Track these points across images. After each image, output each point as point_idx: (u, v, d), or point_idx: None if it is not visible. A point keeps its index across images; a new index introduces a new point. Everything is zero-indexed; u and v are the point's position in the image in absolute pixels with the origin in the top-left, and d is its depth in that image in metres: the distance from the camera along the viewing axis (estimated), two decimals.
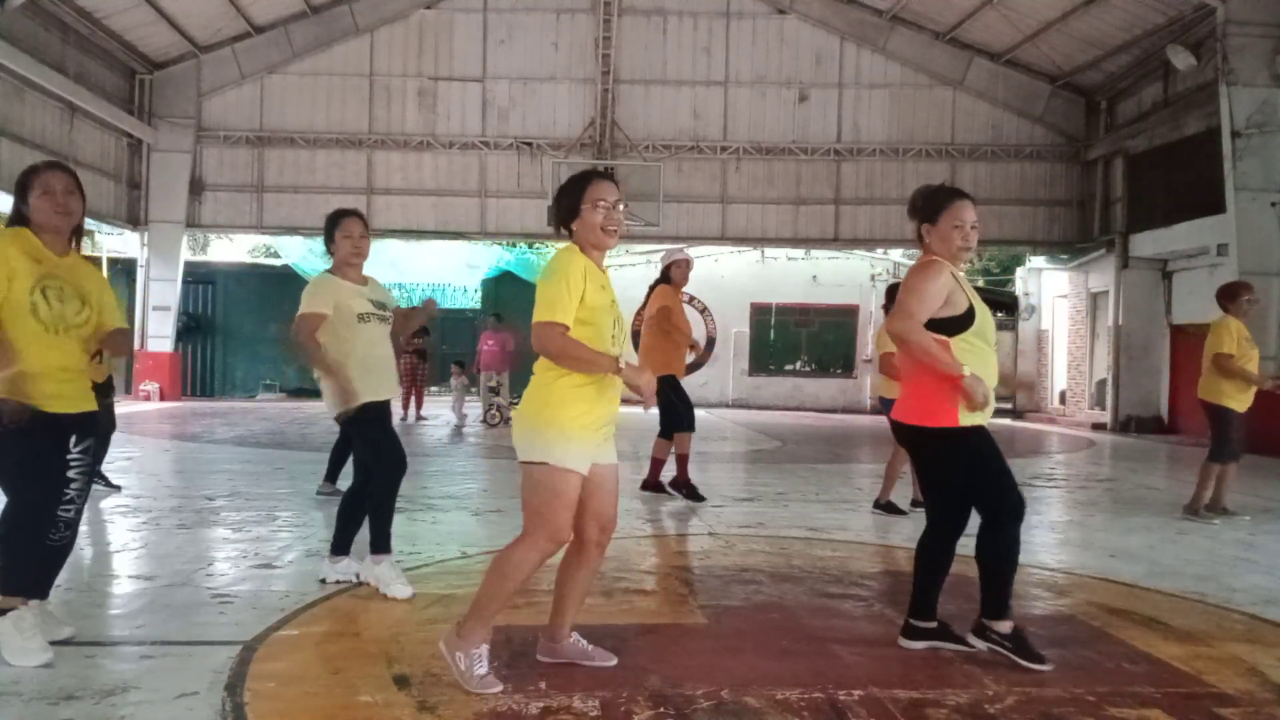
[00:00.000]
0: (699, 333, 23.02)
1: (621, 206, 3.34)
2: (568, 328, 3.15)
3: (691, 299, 22.98)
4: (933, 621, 3.74)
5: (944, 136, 20.08)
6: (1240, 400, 7.06)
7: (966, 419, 3.54)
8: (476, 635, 3.20)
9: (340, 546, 4.55)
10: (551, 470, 3.17)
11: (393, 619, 4.01)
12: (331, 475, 7.30)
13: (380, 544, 4.44)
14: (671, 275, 7.53)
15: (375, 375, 4.44)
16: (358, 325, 4.42)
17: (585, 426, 3.19)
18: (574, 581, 3.46)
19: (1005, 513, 3.54)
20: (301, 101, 19.99)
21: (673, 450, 7.61)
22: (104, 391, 6.86)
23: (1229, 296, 7.15)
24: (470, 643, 3.18)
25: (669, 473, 7.67)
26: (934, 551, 3.74)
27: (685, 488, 7.50)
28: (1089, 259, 19.63)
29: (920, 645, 3.72)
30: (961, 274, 3.72)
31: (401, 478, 4.49)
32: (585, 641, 3.46)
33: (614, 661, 3.43)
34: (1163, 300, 17.96)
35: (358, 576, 4.54)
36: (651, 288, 7.62)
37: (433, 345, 16.23)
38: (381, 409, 4.47)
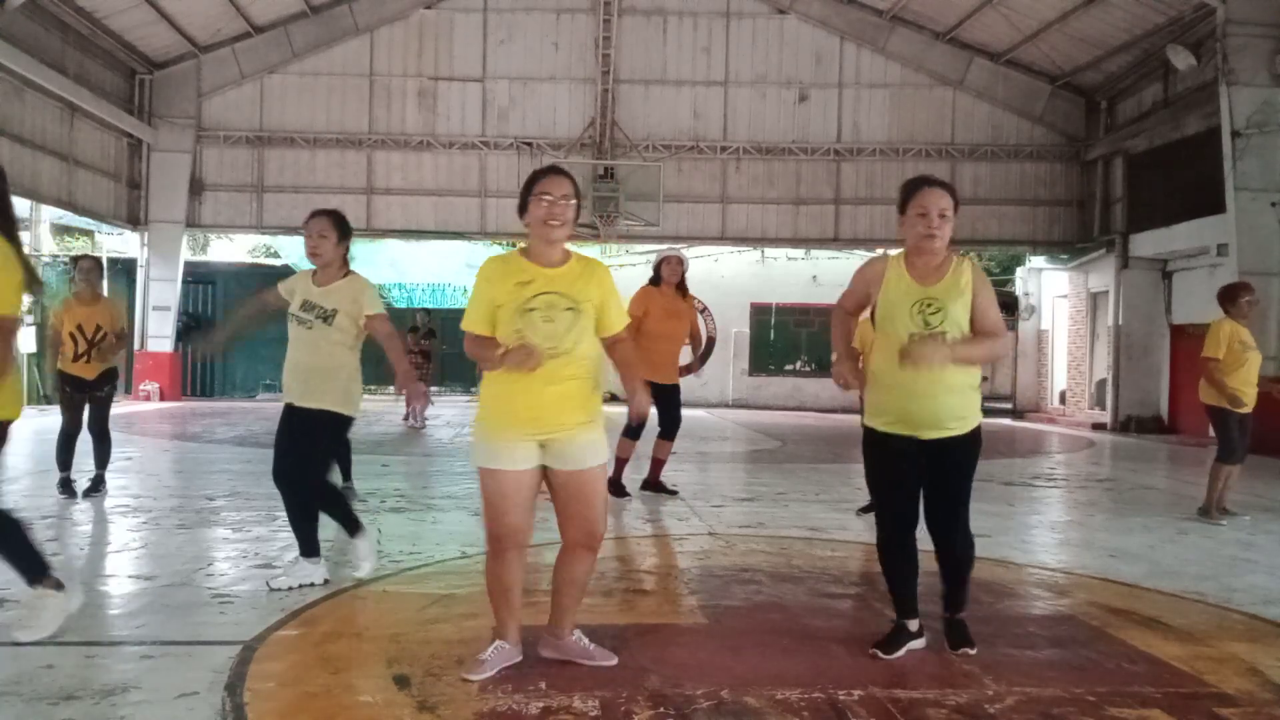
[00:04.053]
0: None
1: (572, 202, 3.37)
2: (472, 334, 3.39)
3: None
4: (902, 619, 3.69)
5: (944, 136, 20.08)
6: (1239, 400, 7.06)
7: (868, 419, 3.69)
8: (496, 629, 3.44)
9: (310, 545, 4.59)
10: (482, 474, 3.38)
11: (393, 619, 4.01)
12: (344, 474, 7.23)
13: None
14: (661, 273, 7.51)
15: (288, 377, 4.50)
16: (289, 323, 4.51)
17: (497, 425, 3.34)
18: (561, 580, 3.50)
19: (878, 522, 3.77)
20: (301, 101, 19.99)
21: (650, 451, 7.58)
22: (96, 385, 6.93)
23: (1229, 298, 7.15)
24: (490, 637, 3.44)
25: (671, 472, 7.66)
26: (882, 551, 3.76)
27: (631, 485, 7.50)
28: (1089, 259, 19.62)
29: (901, 652, 3.63)
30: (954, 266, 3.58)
31: (277, 485, 4.52)
32: (587, 640, 3.46)
33: (614, 661, 3.44)
34: (1163, 300, 17.96)
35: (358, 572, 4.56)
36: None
37: (437, 346, 16.23)
38: (284, 411, 4.50)
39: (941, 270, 3.58)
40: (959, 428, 3.52)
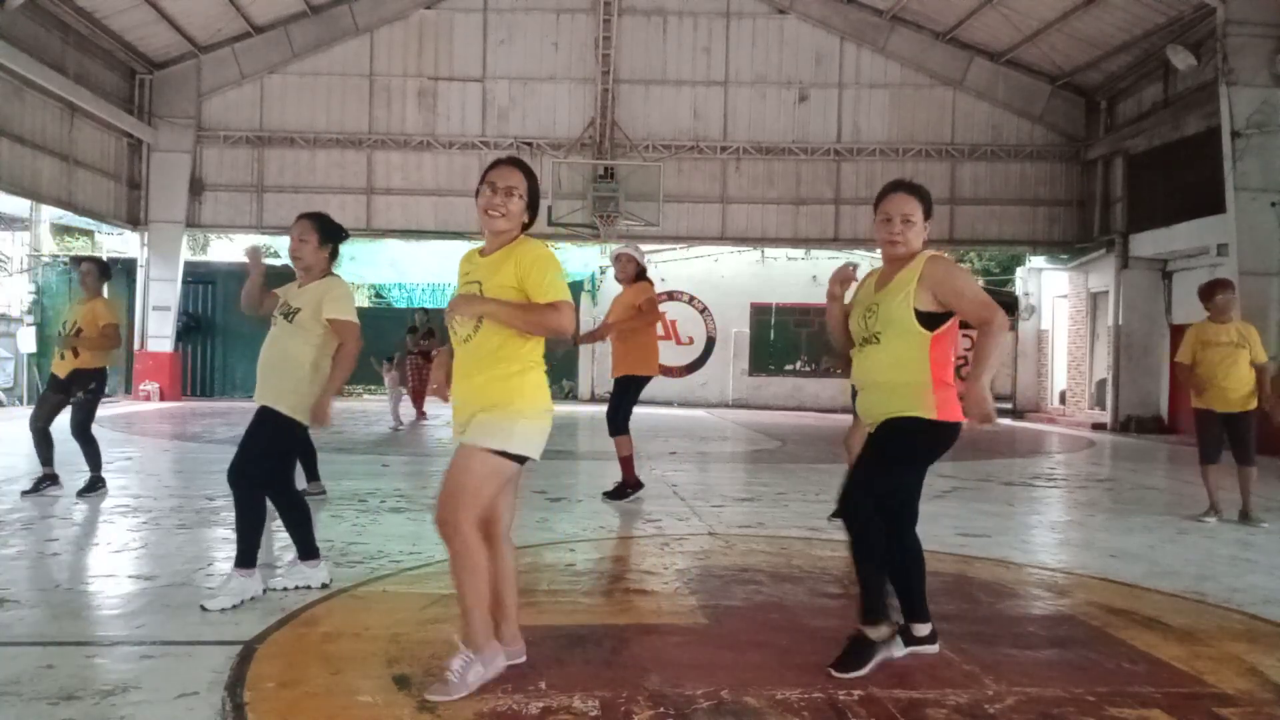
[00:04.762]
0: (698, 332, 23.04)
1: (517, 193, 3.32)
2: None
3: (692, 299, 23.02)
4: (906, 622, 3.66)
5: (944, 136, 20.09)
6: (1206, 400, 7.08)
7: None
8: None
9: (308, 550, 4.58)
10: None
11: (393, 619, 4.01)
12: (311, 473, 7.24)
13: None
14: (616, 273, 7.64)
15: (260, 375, 4.45)
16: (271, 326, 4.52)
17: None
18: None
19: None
20: (301, 101, 19.99)
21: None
22: (66, 385, 6.93)
23: (1204, 295, 7.21)
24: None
25: (672, 472, 7.62)
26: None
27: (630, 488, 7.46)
28: (1089, 259, 19.63)
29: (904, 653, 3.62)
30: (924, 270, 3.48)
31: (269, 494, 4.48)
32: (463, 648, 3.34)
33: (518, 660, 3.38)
34: (1163, 300, 17.98)
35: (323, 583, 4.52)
36: None
37: (437, 346, 16.25)
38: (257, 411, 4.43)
39: (897, 272, 3.55)
40: (888, 416, 3.51)
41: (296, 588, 4.42)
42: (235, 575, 4.30)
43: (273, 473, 4.45)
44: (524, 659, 3.39)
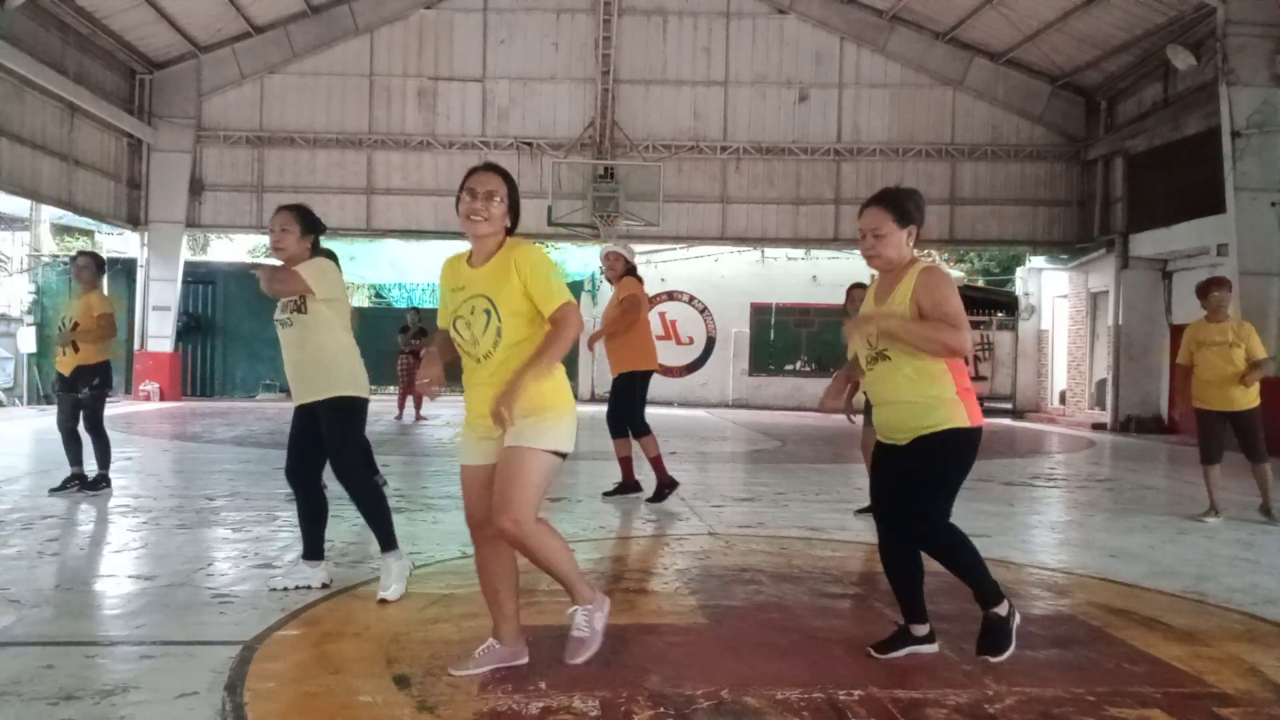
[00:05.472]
0: (698, 332, 23.07)
1: (497, 198, 3.32)
2: (441, 332, 3.48)
3: (692, 299, 23.03)
4: (906, 622, 3.67)
5: (944, 136, 20.09)
6: (1204, 399, 7.08)
7: None
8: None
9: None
10: None
11: (393, 619, 4.01)
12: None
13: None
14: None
15: (289, 380, 4.47)
16: (277, 329, 4.47)
17: (465, 422, 3.43)
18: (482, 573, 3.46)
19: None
20: (301, 101, 20.00)
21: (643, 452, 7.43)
22: (72, 383, 6.96)
23: (1200, 294, 7.23)
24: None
25: (671, 472, 7.61)
26: (879, 550, 3.76)
27: (625, 488, 7.45)
28: (1089, 259, 19.63)
29: (900, 653, 3.62)
30: (915, 281, 3.47)
31: (289, 482, 4.61)
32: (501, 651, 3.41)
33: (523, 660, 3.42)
34: (1163, 300, 17.98)
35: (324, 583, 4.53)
36: None
37: (429, 346, 16.25)
38: (294, 413, 4.51)
39: (895, 285, 3.52)
40: (905, 438, 3.47)
41: (297, 588, 4.42)
42: (301, 564, 4.50)
43: (361, 455, 4.59)
44: (525, 659, 3.39)
